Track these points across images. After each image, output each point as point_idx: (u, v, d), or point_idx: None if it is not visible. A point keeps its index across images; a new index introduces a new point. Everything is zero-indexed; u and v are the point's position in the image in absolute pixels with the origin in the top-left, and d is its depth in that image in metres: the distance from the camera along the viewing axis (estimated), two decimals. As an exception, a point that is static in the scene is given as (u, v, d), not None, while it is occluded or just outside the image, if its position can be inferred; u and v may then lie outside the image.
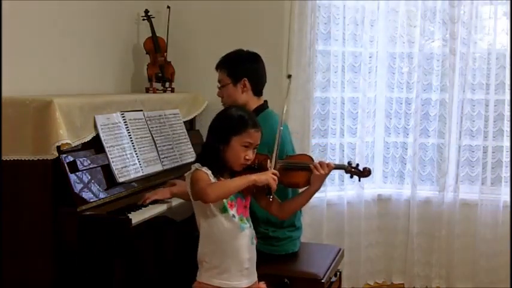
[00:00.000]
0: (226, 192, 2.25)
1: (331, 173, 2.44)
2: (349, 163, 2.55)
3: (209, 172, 2.26)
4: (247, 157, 2.31)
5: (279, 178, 2.39)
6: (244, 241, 2.34)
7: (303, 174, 2.47)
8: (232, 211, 2.31)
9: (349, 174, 2.54)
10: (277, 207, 2.48)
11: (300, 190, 2.58)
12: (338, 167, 2.54)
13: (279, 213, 2.51)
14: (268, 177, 2.30)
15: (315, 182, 2.45)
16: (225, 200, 2.29)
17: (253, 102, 2.94)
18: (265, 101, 3.01)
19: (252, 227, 2.40)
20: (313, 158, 2.57)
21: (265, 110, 2.96)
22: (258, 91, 2.98)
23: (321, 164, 2.46)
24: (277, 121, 2.95)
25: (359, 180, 2.58)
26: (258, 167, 2.39)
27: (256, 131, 2.33)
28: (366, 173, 2.52)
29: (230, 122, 2.32)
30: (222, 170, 2.32)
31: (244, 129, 2.30)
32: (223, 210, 2.29)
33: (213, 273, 2.31)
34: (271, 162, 2.40)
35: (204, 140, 2.47)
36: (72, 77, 3.16)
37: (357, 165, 2.54)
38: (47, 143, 2.41)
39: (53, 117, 2.42)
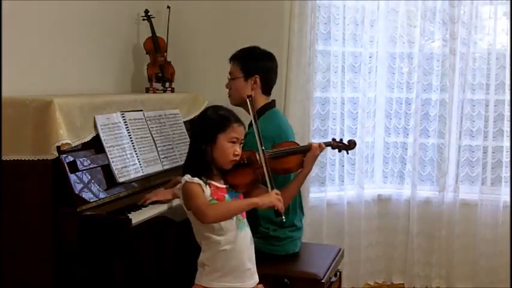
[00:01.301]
0: (226, 215, 2.25)
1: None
2: (333, 139, 2.69)
3: (201, 182, 2.26)
4: (236, 152, 2.32)
5: (273, 167, 2.44)
6: (244, 241, 2.34)
7: (294, 158, 2.56)
8: None
9: (336, 150, 2.68)
10: None
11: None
12: (326, 144, 2.66)
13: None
14: (272, 199, 2.30)
15: (309, 163, 2.57)
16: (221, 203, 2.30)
17: (261, 100, 2.96)
18: (273, 100, 3.03)
19: (249, 227, 2.41)
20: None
21: (272, 108, 2.98)
22: (267, 90, 3.00)
23: (319, 144, 2.58)
24: (284, 121, 3.00)
25: (347, 153, 2.73)
26: (248, 161, 2.41)
27: (239, 126, 2.35)
28: (351, 145, 2.65)
29: (213, 121, 2.33)
30: (212, 172, 2.32)
31: (229, 125, 2.32)
32: None
33: (215, 277, 2.31)
34: (259, 155, 2.42)
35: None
36: (72, 77, 3.16)
37: (341, 139, 2.68)
38: (47, 143, 2.40)
39: (53, 117, 2.42)
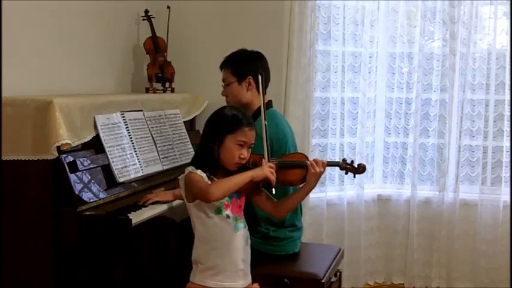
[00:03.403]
0: (227, 190, 2.25)
1: (330, 171, 2.42)
2: (344, 160, 2.57)
3: (204, 174, 2.27)
4: (242, 156, 2.32)
5: (276, 177, 2.40)
6: (239, 242, 2.34)
7: (298, 172, 2.49)
8: (227, 211, 2.32)
9: (344, 171, 2.56)
10: (272, 206, 2.49)
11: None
12: (332, 164, 2.57)
13: (274, 212, 2.52)
14: (265, 170, 2.32)
15: (311, 180, 2.47)
16: (221, 201, 2.30)
17: (258, 101, 2.95)
18: (270, 101, 3.03)
19: (247, 227, 2.41)
20: (311, 157, 2.59)
21: (269, 109, 2.98)
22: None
23: (316, 161, 2.47)
24: (281, 120, 2.99)
25: (354, 177, 2.61)
26: (253, 166, 2.40)
27: (250, 130, 2.33)
28: (360, 169, 2.54)
29: (224, 121, 2.33)
30: (216, 170, 2.33)
31: (239, 128, 2.31)
32: (218, 211, 2.30)
33: (207, 275, 2.32)
34: (266, 160, 2.41)
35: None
36: (72, 77, 3.16)
37: (352, 162, 2.56)
38: (47, 143, 2.40)
39: (53, 117, 2.41)
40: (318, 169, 2.45)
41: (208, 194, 2.21)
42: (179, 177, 2.35)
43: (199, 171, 2.27)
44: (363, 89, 4.07)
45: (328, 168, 3.90)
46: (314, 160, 2.48)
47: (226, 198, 2.32)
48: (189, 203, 2.32)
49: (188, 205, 2.34)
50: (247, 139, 2.32)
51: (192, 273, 2.36)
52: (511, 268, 3.78)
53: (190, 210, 2.34)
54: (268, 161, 2.42)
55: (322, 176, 3.88)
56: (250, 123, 2.36)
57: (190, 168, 2.29)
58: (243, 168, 2.36)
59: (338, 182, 4.10)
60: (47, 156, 2.41)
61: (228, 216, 2.31)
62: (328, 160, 2.54)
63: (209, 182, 2.27)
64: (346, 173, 2.57)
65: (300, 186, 2.53)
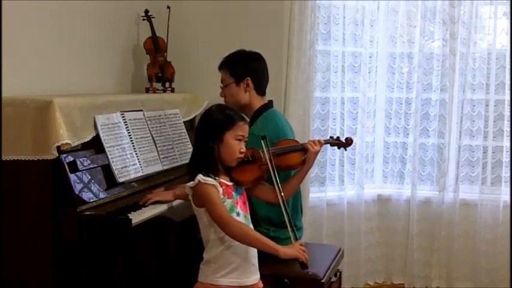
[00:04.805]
0: (244, 239, 2.28)
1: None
2: (331, 137, 2.83)
3: (215, 183, 2.28)
4: (242, 150, 2.36)
5: (277, 164, 2.49)
6: None
7: (297, 155, 2.63)
8: (237, 209, 2.35)
9: (335, 147, 2.83)
10: (274, 194, 2.50)
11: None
12: (325, 142, 2.76)
13: (277, 200, 2.53)
14: (295, 251, 2.34)
15: (310, 159, 2.63)
16: (231, 200, 2.32)
17: (257, 102, 2.97)
18: (270, 101, 3.03)
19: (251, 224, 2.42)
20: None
21: (270, 109, 2.99)
22: (261, 90, 3.01)
23: (313, 141, 2.65)
24: (281, 119, 3.01)
25: (345, 150, 2.94)
26: (253, 158, 2.46)
27: (244, 123, 2.39)
28: (349, 141, 2.80)
29: (220, 120, 2.36)
30: (219, 170, 2.35)
31: (235, 123, 2.35)
32: (231, 210, 2.32)
33: (220, 274, 2.33)
34: (263, 153, 2.47)
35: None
36: (72, 77, 3.16)
37: (338, 137, 2.83)
38: (47, 143, 2.40)
39: (53, 117, 2.41)
40: (317, 147, 2.62)
41: (226, 227, 2.25)
42: (186, 184, 2.35)
43: (210, 181, 2.27)
44: (363, 89, 4.07)
45: (328, 167, 4.04)
46: (312, 140, 2.66)
47: (235, 195, 2.34)
48: (198, 208, 2.33)
49: (197, 210, 2.34)
50: (244, 132, 2.37)
51: (202, 274, 2.37)
52: (511, 268, 3.79)
53: (199, 214, 2.35)
54: (269, 152, 2.46)
55: (322, 176, 3.98)
56: (243, 117, 2.41)
57: (200, 178, 2.28)
58: (242, 162, 2.39)
59: (338, 182, 4.11)
60: (47, 156, 2.41)
61: (238, 214, 2.34)
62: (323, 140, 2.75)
63: (220, 190, 2.28)
64: (339, 148, 2.83)
65: (299, 168, 2.66)
